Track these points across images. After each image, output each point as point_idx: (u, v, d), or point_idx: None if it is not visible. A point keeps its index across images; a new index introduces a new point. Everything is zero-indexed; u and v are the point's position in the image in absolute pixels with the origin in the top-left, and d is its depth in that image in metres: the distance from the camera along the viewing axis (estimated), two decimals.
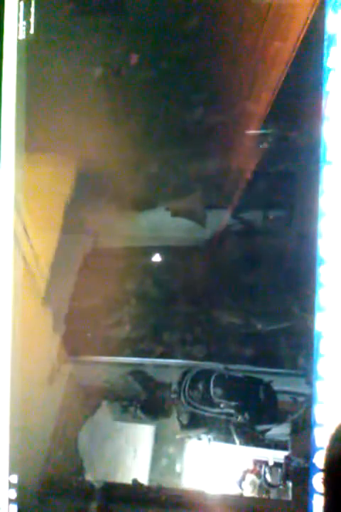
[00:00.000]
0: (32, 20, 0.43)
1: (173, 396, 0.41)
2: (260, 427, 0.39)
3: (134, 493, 0.41)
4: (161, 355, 0.41)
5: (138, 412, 0.42)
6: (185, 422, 0.41)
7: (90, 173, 0.43)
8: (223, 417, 0.40)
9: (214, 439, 0.40)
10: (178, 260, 0.42)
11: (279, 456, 0.39)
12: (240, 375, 0.40)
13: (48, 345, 0.43)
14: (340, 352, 0.36)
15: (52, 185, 0.44)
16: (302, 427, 0.38)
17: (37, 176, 0.44)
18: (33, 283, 0.44)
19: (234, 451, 0.40)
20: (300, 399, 0.38)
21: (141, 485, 0.41)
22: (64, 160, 0.43)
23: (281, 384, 0.39)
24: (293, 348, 0.39)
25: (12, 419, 0.43)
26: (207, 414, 0.41)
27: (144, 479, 0.41)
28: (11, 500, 0.43)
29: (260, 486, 0.39)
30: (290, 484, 0.39)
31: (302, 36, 0.38)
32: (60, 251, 0.43)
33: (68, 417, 0.43)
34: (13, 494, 0.43)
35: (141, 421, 0.42)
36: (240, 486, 0.40)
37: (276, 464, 0.39)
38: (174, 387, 0.41)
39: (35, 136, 0.43)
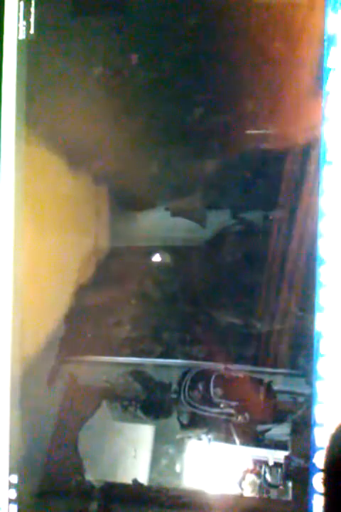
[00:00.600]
0: (32, 20, 0.43)
1: (173, 396, 0.41)
2: (260, 427, 0.39)
3: (134, 493, 0.41)
4: (161, 355, 0.41)
5: (138, 412, 0.42)
6: (185, 422, 0.41)
7: (90, 173, 0.43)
8: (223, 417, 0.40)
9: (214, 439, 0.40)
10: (178, 260, 0.42)
11: (279, 456, 0.39)
12: (240, 375, 0.40)
13: (48, 344, 0.43)
14: (340, 352, 0.36)
15: (52, 185, 0.44)
16: (302, 427, 0.38)
17: (37, 176, 0.44)
18: (32, 283, 0.44)
19: (234, 451, 0.40)
20: (300, 399, 0.38)
21: (141, 485, 0.41)
22: (64, 160, 0.43)
23: (281, 384, 0.39)
24: (293, 348, 0.39)
25: (12, 419, 0.43)
26: (207, 414, 0.41)
27: (144, 479, 0.41)
28: (11, 500, 0.43)
29: (260, 486, 0.39)
30: (290, 484, 0.39)
31: (302, 36, 0.38)
32: (59, 251, 0.43)
33: (68, 417, 0.43)
34: (13, 494, 0.43)
35: (141, 421, 0.42)
36: (240, 486, 0.40)
37: (276, 464, 0.39)
38: (174, 387, 0.41)
39: (35, 135, 0.43)
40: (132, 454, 0.42)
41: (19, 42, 0.43)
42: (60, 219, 0.43)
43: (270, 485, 0.39)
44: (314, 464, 0.37)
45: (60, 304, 0.43)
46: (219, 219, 0.41)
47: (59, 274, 0.43)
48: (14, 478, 0.43)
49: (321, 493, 0.37)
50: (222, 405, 0.40)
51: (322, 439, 0.37)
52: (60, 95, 0.43)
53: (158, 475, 0.41)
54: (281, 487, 0.39)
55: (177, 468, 0.41)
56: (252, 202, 0.40)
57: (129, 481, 0.42)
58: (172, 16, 0.41)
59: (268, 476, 0.39)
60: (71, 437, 0.43)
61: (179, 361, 0.41)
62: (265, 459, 0.39)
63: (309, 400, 0.37)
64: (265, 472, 0.39)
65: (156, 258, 0.42)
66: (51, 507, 0.43)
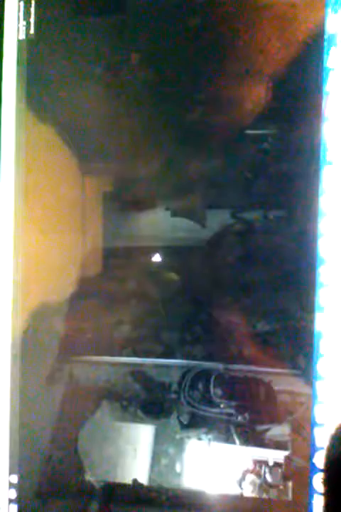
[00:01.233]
0: (32, 20, 0.43)
1: (173, 396, 0.41)
2: (260, 427, 0.39)
3: (134, 493, 0.41)
4: (161, 355, 0.41)
5: (138, 412, 0.42)
6: (185, 422, 0.41)
7: (90, 173, 0.43)
8: (223, 417, 0.40)
9: (214, 439, 0.40)
10: (178, 260, 0.42)
11: (279, 456, 0.39)
12: (240, 375, 0.40)
13: (48, 344, 0.43)
14: (340, 352, 0.36)
15: (52, 185, 0.44)
16: (302, 427, 0.38)
17: (37, 176, 0.44)
18: (32, 283, 0.44)
19: (234, 451, 0.40)
20: (300, 399, 0.38)
21: (141, 485, 0.41)
22: (64, 160, 0.43)
23: (281, 384, 0.39)
24: (293, 348, 0.39)
25: (12, 419, 0.43)
26: (207, 414, 0.41)
27: (144, 479, 0.41)
28: (11, 500, 0.43)
29: (260, 486, 0.39)
30: (290, 484, 0.39)
31: (302, 36, 0.38)
32: (59, 251, 0.43)
33: (68, 417, 0.43)
34: (13, 494, 0.43)
35: (141, 421, 0.42)
36: (240, 486, 0.40)
37: (276, 464, 0.39)
38: (174, 387, 0.41)
39: (35, 135, 0.43)
40: (132, 454, 0.42)
41: (19, 42, 0.43)
42: (60, 219, 0.43)
43: (270, 485, 0.39)
44: (314, 464, 0.37)
45: (60, 304, 0.43)
46: (219, 219, 0.41)
47: (59, 273, 0.43)
48: (14, 478, 0.43)
49: (321, 493, 0.37)
50: (222, 405, 0.40)
51: (322, 439, 0.37)
52: (60, 95, 0.43)
53: (158, 475, 0.41)
54: (281, 487, 0.39)
55: (177, 468, 0.41)
56: (252, 202, 0.40)
57: (129, 481, 0.42)
58: (172, 15, 0.41)
59: (268, 476, 0.39)
60: (71, 437, 0.43)
61: (179, 361, 0.41)
62: (265, 459, 0.39)
63: (309, 400, 0.37)
64: (265, 472, 0.39)
65: (156, 258, 0.42)
66: (51, 507, 0.43)
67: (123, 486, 0.42)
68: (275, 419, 0.39)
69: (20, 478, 0.43)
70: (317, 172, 0.37)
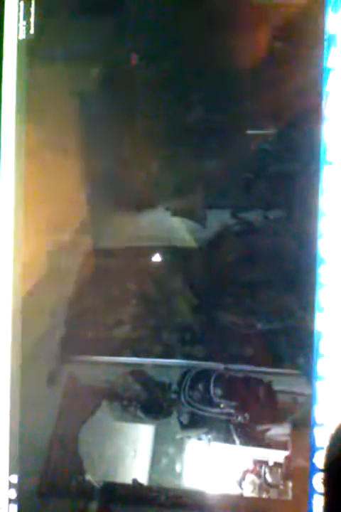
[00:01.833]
0: (32, 20, 0.43)
1: (173, 396, 0.41)
2: (260, 427, 0.39)
3: (134, 493, 0.41)
4: (161, 355, 0.41)
5: (138, 412, 0.42)
6: (185, 422, 0.41)
7: (90, 173, 0.43)
8: (223, 417, 0.40)
9: (214, 439, 0.40)
10: (178, 260, 0.42)
11: (279, 456, 0.39)
12: (240, 375, 0.40)
13: (48, 344, 0.43)
14: (340, 352, 0.36)
15: (52, 185, 0.44)
16: (302, 427, 0.38)
17: (37, 176, 0.44)
18: (32, 283, 0.44)
19: (234, 451, 0.40)
20: (300, 399, 0.38)
21: (141, 485, 0.41)
22: (64, 160, 0.43)
23: (281, 384, 0.39)
24: (293, 348, 0.39)
25: (12, 419, 0.43)
26: (207, 414, 0.41)
27: (144, 479, 0.41)
28: (11, 500, 0.43)
29: (260, 486, 0.39)
30: (290, 484, 0.39)
31: (302, 36, 0.38)
32: (59, 251, 0.43)
33: (68, 417, 0.43)
34: (13, 494, 0.43)
35: (141, 421, 0.42)
36: (240, 486, 0.40)
37: (276, 464, 0.39)
38: (174, 387, 0.41)
39: (35, 136, 0.43)
40: (132, 454, 0.42)
41: (19, 42, 0.43)
42: (60, 219, 0.43)
43: (270, 485, 0.39)
44: (314, 464, 0.37)
45: (60, 304, 0.43)
46: (219, 219, 0.41)
47: (58, 273, 0.43)
48: (14, 478, 0.43)
49: (321, 493, 0.37)
50: (222, 405, 0.40)
51: (322, 439, 0.37)
52: (60, 95, 0.43)
53: (158, 475, 0.41)
54: (281, 487, 0.39)
55: (177, 468, 0.41)
56: (252, 202, 0.40)
57: (129, 481, 0.42)
58: (172, 15, 0.41)
59: (268, 476, 0.39)
60: (71, 437, 0.43)
61: (179, 361, 0.41)
62: (265, 459, 0.39)
63: (309, 400, 0.37)
64: (265, 472, 0.39)
65: (156, 258, 0.42)
66: (51, 507, 0.43)
67: (123, 486, 0.42)
68: (275, 419, 0.39)
69: (20, 478, 0.43)
70: (317, 172, 0.37)
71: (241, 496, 0.39)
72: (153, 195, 0.42)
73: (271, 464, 0.39)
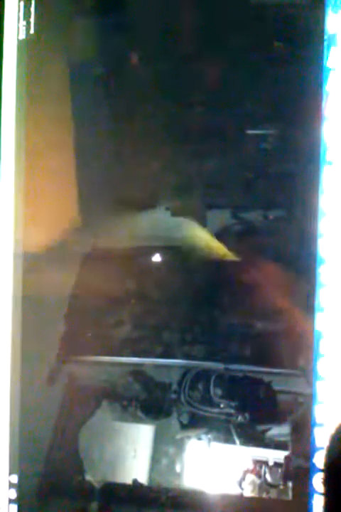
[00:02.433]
0: (32, 20, 0.43)
1: (173, 396, 0.41)
2: (260, 427, 0.39)
3: (134, 493, 0.41)
4: (161, 355, 0.41)
5: (138, 412, 0.42)
6: (185, 422, 0.41)
7: (90, 173, 0.43)
8: (223, 417, 0.40)
9: (214, 439, 0.40)
10: (178, 260, 0.42)
11: (279, 456, 0.39)
12: (240, 375, 0.40)
13: (48, 344, 0.43)
14: (340, 352, 0.36)
15: (52, 185, 0.44)
16: (302, 427, 0.38)
17: (37, 176, 0.44)
18: (32, 283, 0.44)
19: (234, 451, 0.40)
20: (300, 399, 0.38)
21: (141, 485, 0.41)
22: (64, 160, 0.43)
23: (281, 384, 0.39)
24: (293, 348, 0.39)
25: (12, 419, 0.43)
26: (207, 414, 0.41)
27: (144, 479, 0.41)
28: (11, 500, 0.43)
29: (260, 486, 0.39)
30: (290, 484, 0.39)
31: (302, 36, 0.38)
32: (59, 250, 0.43)
33: (68, 417, 0.43)
34: (13, 494, 0.43)
35: (141, 421, 0.42)
36: (240, 486, 0.40)
37: (276, 464, 0.39)
38: (174, 387, 0.41)
39: (35, 136, 0.43)
40: (132, 454, 0.42)
41: (19, 42, 0.43)
42: (60, 218, 0.43)
43: (270, 485, 0.39)
44: (314, 464, 0.37)
45: (60, 304, 0.43)
46: (219, 219, 0.41)
47: (58, 273, 0.43)
48: (14, 478, 0.43)
49: (321, 493, 0.37)
50: (222, 405, 0.40)
51: (322, 439, 0.37)
52: (60, 95, 0.43)
53: (158, 475, 0.41)
54: (281, 487, 0.39)
55: (177, 468, 0.41)
56: (252, 202, 0.40)
57: (129, 481, 0.42)
58: (172, 15, 0.41)
59: (268, 476, 0.39)
60: (71, 437, 0.43)
61: (179, 361, 0.41)
62: (265, 459, 0.39)
63: (309, 400, 0.37)
64: (265, 472, 0.39)
65: (156, 258, 0.42)
66: (51, 507, 0.43)
67: (123, 486, 0.42)
68: (275, 419, 0.39)
69: (20, 478, 0.43)
70: (317, 172, 0.37)
71: (241, 496, 0.39)
72: (153, 195, 0.42)
73: (271, 463, 0.39)
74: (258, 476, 0.39)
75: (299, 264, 0.38)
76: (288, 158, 0.39)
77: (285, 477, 0.39)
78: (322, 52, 0.37)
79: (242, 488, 0.40)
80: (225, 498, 0.40)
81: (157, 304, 0.42)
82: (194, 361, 0.41)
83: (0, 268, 0.44)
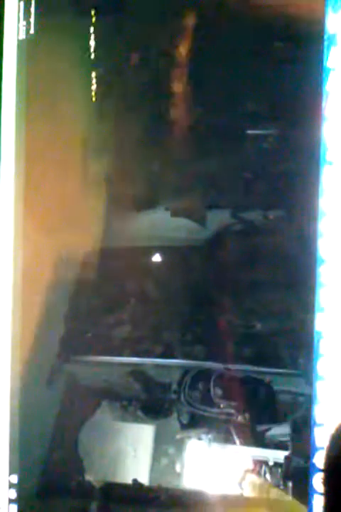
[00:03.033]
0: (32, 20, 0.43)
1: (173, 396, 0.41)
2: (260, 427, 0.39)
3: (134, 493, 0.41)
4: (161, 355, 0.41)
5: (138, 412, 0.42)
6: (185, 422, 0.41)
7: (90, 173, 0.43)
8: (223, 417, 0.40)
9: (214, 439, 0.40)
10: (178, 260, 0.42)
11: (279, 456, 0.39)
12: (240, 375, 0.40)
13: (48, 344, 0.43)
14: (340, 352, 0.36)
15: (52, 185, 0.44)
16: (303, 427, 0.38)
17: (37, 176, 0.44)
18: (32, 283, 0.44)
19: (234, 451, 0.40)
20: (300, 399, 0.38)
21: (141, 485, 0.41)
22: (64, 160, 0.43)
23: (281, 384, 0.39)
24: (293, 348, 0.39)
25: (12, 419, 0.43)
26: (207, 414, 0.41)
27: (144, 479, 0.41)
28: (11, 500, 0.43)
29: (260, 486, 0.39)
30: (290, 484, 0.39)
31: (302, 36, 0.38)
32: (59, 251, 0.43)
33: (68, 417, 0.43)
34: (13, 494, 0.43)
35: (141, 421, 0.42)
36: (240, 486, 0.40)
37: (276, 464, 0.39)
38: (174, 387, 0.41)
39: (35, 136, 0.43)
40: (132, 454, 0.42)
41: (19, 42, 0.43)
42: (60, 219, 0.43)
43: (270, 485, 0.39)
44: (314, 464, 0.37)
45: (60, 304, 0.43)
46: (219, 219, 0.41)
47: (59, 273, 0.43)
48: (14, 478, 0.43)
49: (321, 493, 0.37)
50: (221, 405, 0.40)
51: (322, 439, 0.37)
52: (60, 95, 0.43)
53: (158, 475, 0.41)
54: (281, 487, 0.39)
55: (177, 468, 0.41)
56: (252, 202, 0.40)
57: (129, 481, 0.42)
58: (172, 15, 0.41)
59: (268, 476, 0.39)
60: (71, 437, 0.43)
61: (179, 361, 0.41)
62: (265, 459, 0.39)
63: (309, 400, 0.37)
64: (265, 472, 0.39)
65: (156, 258, 0.42)
66: (51, 507, 0.43)
67: (123, 486, 0.42)
68: (275, 419, 0.39)
69: (20, 478, 0.43)
70: (317, 172, 0.37)
71: (241, 496, 0.39)
72: (153, 195, 0.42)
73: (271, 463, 0.39)
74: (258, 476, 0.39)
75: (299, 264, 0.38)
76: (288, 158, 0.39)
77: (285, 477, 0.39)
78: (322, 52, 0.37)
79: (242, 488, 0.40)
80: (225, 498, 0.40)
81: (157, 303, 0.42)
82: (194, 361, 0.41)
83: (0, 268, 0.44)
